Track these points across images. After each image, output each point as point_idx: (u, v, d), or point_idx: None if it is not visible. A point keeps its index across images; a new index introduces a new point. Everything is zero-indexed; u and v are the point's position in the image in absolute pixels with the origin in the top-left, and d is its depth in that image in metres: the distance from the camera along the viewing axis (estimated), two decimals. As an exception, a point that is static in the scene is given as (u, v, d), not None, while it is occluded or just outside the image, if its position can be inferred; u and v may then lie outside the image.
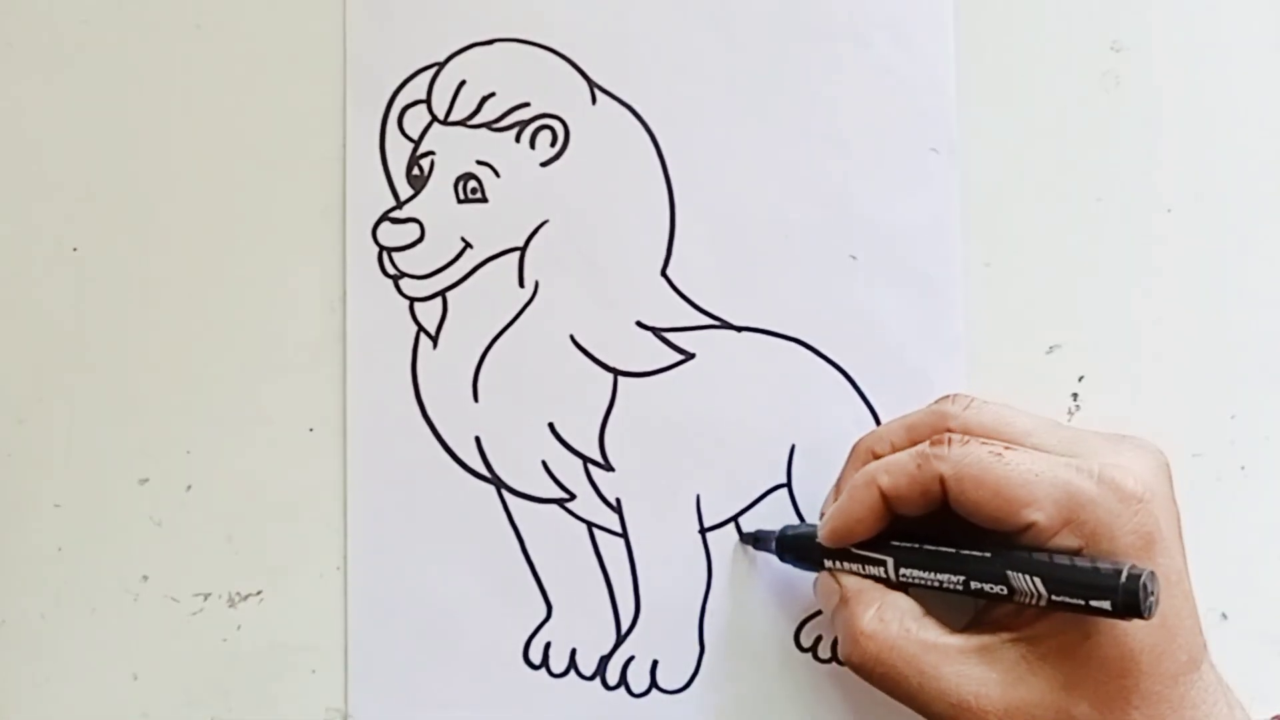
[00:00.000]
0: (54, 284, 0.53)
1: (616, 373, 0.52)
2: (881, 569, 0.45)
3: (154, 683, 0.51)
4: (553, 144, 0.52)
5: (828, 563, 0.47)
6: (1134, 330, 0.52)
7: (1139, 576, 0.40)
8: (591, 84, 0.52)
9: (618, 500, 0.51)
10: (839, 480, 0.48)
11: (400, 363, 0.52)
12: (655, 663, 0.51)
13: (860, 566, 0.46)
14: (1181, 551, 0.43)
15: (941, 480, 0.43)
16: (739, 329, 0.52)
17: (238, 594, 0.52)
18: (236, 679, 0.51)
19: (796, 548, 0.48)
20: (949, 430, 0.45)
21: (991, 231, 0.52)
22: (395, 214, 0.52)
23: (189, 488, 0.52)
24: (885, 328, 0.52)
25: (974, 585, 0.43)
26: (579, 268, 0.52)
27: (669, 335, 0.52)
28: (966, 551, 0.44)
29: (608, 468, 0.51)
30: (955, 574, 0.43)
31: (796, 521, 0.51)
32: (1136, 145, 0.53)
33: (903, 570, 0.45)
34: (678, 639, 0.51)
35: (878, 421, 0.51)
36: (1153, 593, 0.40)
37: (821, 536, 0.46)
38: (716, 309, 0.52)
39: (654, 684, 0.51)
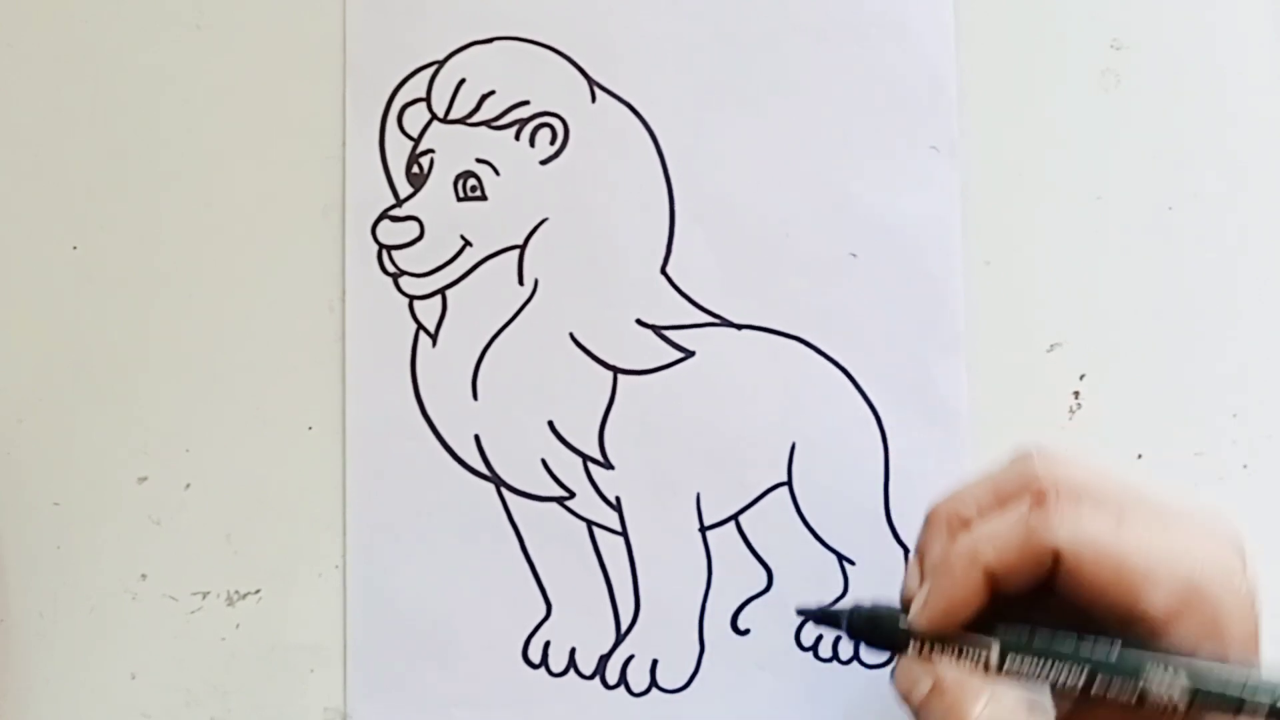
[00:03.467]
0: (54, 284, 0.53)
1: (616, 370, 0.51)
2: (982, 655, 0.38)
3: (153, 682, 0.51)
4: (552, 142, 0.52)
5: (913, 647, 0.40)
6: (1135, 329, 0.52)
7: None
8: (591, 82, 0.52)
9: (617, 498, 0.51)
10: (919, 552, 0.42)
11: (400, 361, 0.52)
12: (655, 662, 0.51)
13: (955, 651, 0.39)
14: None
15: (1055, 553, 0.37)
16: (739, 327, 0.52)
17: (236, 593, 0.52)
18: (235, 678, 0.51)
19: (873, 630, 0.41)
20: (1042, 491, 0.38)
21: (991, 230, 0.52)
22: (395, 212, 0.52)
23: (188, 486, 0.52)
24: (885, 326, 0.52)
25: (1099, 682, 0.37)
26: (578, 266, 0.52)
27: (669, 333, 0.52)
28: (1095, 636, 0.37)
29: (607, 466, 0.51)
30: (1078, 665, 0.37)
31: (799, 521, 0.51)
32: (1136, 145, 0.53)
33: (1010, 657, 0.38)
34: (677, 638, 0.51)
35: (878, 420, 0.51)
36: None
37: (920, 622, 0.40)
38: (716, 307, 0.52)
39: (654, 683, 0.51)
